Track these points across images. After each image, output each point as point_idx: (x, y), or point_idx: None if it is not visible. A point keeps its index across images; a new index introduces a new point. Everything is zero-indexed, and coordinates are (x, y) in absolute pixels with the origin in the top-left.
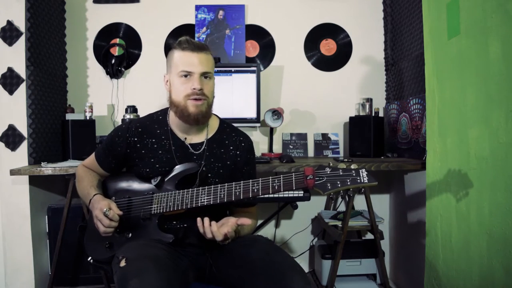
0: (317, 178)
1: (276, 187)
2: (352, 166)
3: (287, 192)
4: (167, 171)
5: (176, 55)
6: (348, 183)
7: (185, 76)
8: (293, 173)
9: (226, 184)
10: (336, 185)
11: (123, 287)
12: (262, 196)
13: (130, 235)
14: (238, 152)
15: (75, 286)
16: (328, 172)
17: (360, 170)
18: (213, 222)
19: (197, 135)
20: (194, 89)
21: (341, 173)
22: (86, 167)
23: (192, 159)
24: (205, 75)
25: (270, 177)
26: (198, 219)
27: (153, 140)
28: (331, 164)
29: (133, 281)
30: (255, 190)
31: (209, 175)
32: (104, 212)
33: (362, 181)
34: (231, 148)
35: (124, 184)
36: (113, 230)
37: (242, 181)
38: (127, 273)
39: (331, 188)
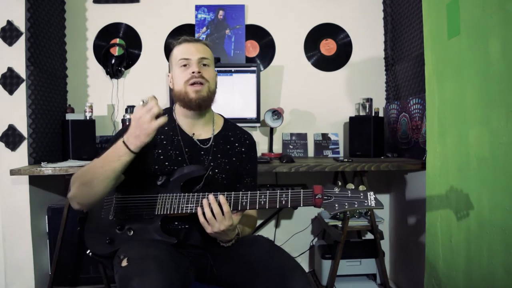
0: (325, 198)
1: (284, 202)
2: (360, 188)
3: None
4: (175, 169)
5: (175, 50)
6: (356, 205)
7: (184, 65)
8: (302, 190)
9: (233, 193)
10: (343, 206)
11: (124, 287)
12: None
13: (132, 232)
14: (243, 149)
15: (75, 286)
16: (337, 192)
17: (368, 193)
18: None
19: (204, 131)
20: (193, 72)
21: (349, 195)
22: None
23: (200, 154)
24: (203, 61)
25: (278, 191)
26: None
27: (162, 137)
28: (339, 184)
29: (135, 281)
30: (262, 202)
31: (216, 170)
32: (144, 102)
33: (370, 204)
34: (237, 144)
35: (129, 182)
36: (159, 110)
37: (249, 192)
38: (128, 273)
39: (338, 209)
